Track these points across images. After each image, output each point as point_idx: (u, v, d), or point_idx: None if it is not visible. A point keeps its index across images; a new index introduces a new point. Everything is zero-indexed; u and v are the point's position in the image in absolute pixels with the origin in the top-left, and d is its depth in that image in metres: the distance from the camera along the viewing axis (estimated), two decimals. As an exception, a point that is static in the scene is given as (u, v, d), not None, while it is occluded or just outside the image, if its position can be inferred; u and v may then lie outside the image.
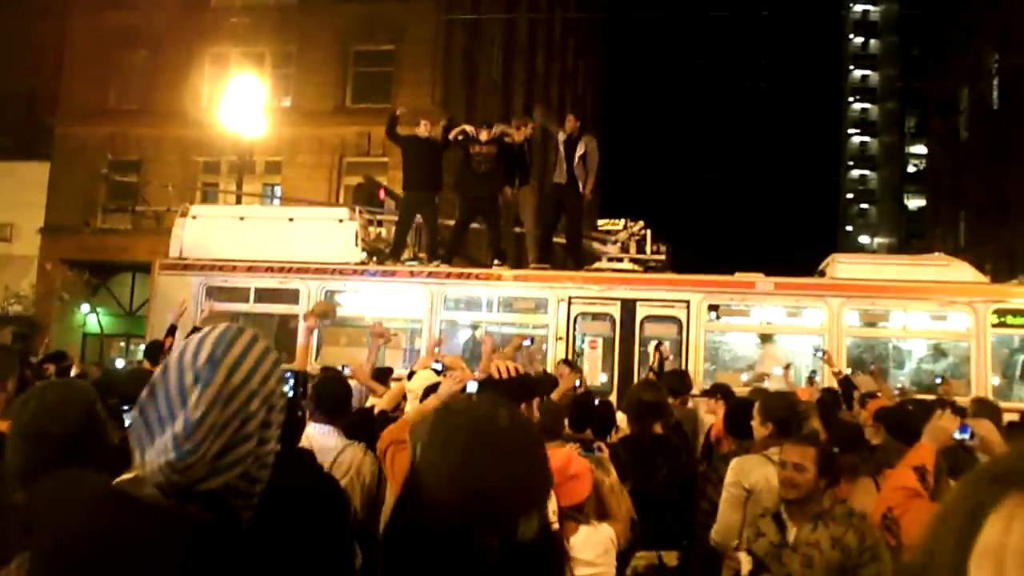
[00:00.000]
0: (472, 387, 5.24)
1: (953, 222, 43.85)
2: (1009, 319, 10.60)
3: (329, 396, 5.32)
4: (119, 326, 26.75)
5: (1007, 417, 6.96)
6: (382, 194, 17.01)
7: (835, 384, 8.62)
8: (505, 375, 3.92)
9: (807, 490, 4.12)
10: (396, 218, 13.55)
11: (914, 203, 67.66)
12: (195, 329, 9.27)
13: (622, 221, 12.47)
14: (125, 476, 1.54)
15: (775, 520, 4.23)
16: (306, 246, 12.28)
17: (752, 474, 4.94)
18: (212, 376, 1.53)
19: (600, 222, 12.68)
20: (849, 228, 79.21)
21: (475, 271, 12.04)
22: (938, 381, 9.79)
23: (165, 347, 9.06)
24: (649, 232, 12.45)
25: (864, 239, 73.62)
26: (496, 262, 12.04)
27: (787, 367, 10.43)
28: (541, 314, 11.66)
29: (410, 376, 5.88)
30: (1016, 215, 35.81)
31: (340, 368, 9.62)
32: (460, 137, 12.22)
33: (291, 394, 5.56)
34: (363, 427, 5.18)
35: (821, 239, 70.03)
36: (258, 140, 21.52)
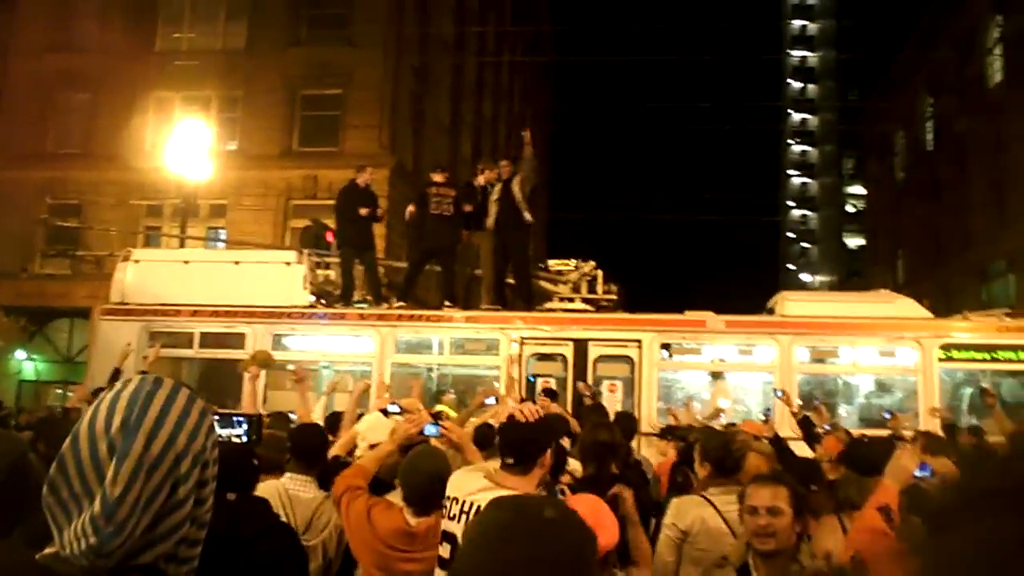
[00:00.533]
0: (430, 430, 5.11)
1: (891, 260, 44.89)
2: (955, 353, 10.77)
3: (308, 445, 5.01)
4: (56, 373, 26.01)
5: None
6: (329, 236, 16.83)
7: (793, 424, 8.62)
8: (530, 418, 3.69)
9: (786, 539, 3.46)
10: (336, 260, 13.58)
11: (853, 242, 69.23)
12: (113, 379, 9.09)
13: (573, 262, 12.48)
14: (48, 551, 1.35)
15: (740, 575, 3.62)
16: (252, 290, 12.07)
17: (688, 515, 4.84)
18: (129, 446, 1.33)
19: (551, 262, 12.67)
20: (791, 267, 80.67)
21: (426, 313, 11.92)
22: (887, 416, 9.86)
23: None
24: (600, 273, 12.47)
25: (806, 277, 75.02)
26: (447, 304, 11.96)
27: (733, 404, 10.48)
28: (492, 355, 11.56)
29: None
30: (950, 252, 36.77)
31: (287, 413, 9.45)
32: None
33: (244, 439, 5.39)
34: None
35: (764, 278, 71.23)
36: (202, 183, 21.22)
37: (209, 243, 24.89)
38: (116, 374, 9.27)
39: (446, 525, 3.51)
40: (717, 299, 12.87)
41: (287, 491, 4.72)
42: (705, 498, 4.88)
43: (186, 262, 12.89)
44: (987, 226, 33.69)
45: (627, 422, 7.92)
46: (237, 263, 12.66)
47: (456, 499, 3.48)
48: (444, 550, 3.50)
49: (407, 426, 4.95)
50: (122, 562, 1.31)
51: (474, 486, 3.48)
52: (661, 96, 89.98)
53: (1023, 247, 31.02)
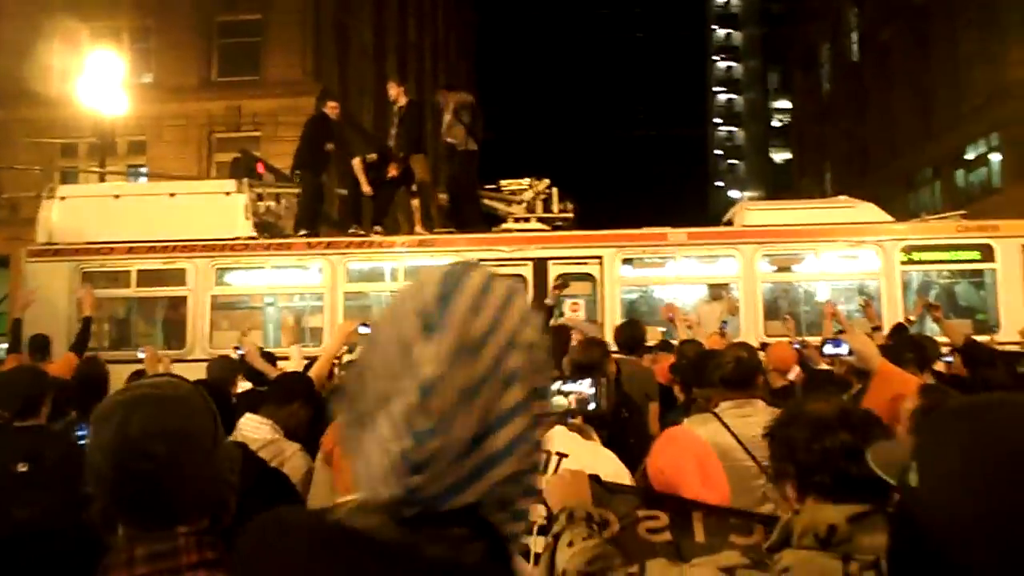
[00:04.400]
0: (364, 329, 4.84)
1: (819, 173, 45.46)
2: (916, 255, 10.73)
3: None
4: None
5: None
6: (261, 168, 16.10)
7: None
8: None
9: None
10: (281, 190, 12.99)
11: (780, 156, 69.91)
12: (15, 332, 8.41)
13: (527, 181, 12.06)
14: (346, 499, 0.96)
15: None
16: (190, 223, 11.39)
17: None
18: (449, 317, 0.97)
19: (503, 183, 12.22)
20: (720, 184, 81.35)
21: (378, 239, 11.41)
22: (861, 304, 9.88)
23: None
24: (556, 191, 12.09)
25: (734, 193, 75.59)
26: (376, 230, 11.53)
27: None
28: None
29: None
30: (878, 163, 37.33)
31: (233, 349, 8.98)
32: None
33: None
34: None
35: (692, 196, 71.66)
36: (119, 119, 20.17)
37: (131, 180, 23.80)
38: (16, 325, 8.67)
39: None
40: (651, 217, 12.63)
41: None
42: (716, 415, 4.63)
43: (117, 196, 12.11)
44: (913, 135, 34.17)
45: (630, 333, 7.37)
46: (172, 195, 11.93)
47: None
48: None
49: (347, 323, 4.74)
50: (440, 497, 0.92)
51: None
52: (584, 14, 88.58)
53: (948, 154, 31.60)
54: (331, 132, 12.13)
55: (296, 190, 12.40)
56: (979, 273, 11.03)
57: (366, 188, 11.54)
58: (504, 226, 11.81)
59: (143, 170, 24.90)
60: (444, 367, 0.93)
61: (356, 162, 11.74)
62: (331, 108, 12.30)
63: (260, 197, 12.36)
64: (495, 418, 0.94)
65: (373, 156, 11.75)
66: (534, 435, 0.98)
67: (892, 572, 1.02)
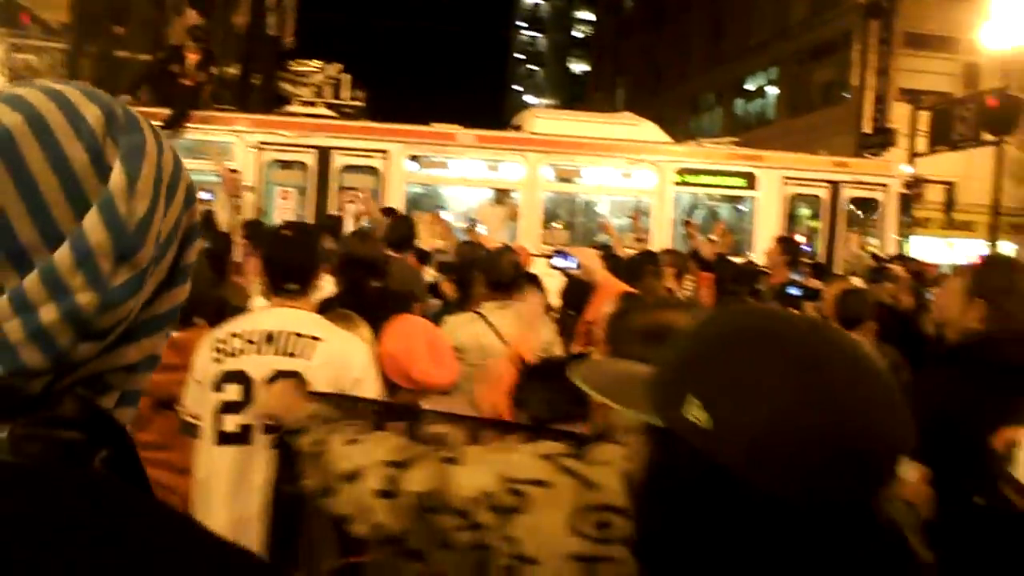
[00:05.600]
0: None
1: (612, 88, 46.63)
2: (689, 178, 11.26)
3: None
4: None
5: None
6: (26, 18, 14.49)
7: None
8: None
9: None
10: (47, 45, 11.74)
11: (578, 67, 70.91)
12: None
13: (318, 63, 11.53)
14: None
15: None
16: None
17: (460, 332, 4.65)
18: (137, 140, 0.76)
19: (292, 63, 11.63)
20: (518, 88, 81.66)
21: (149, 111, 10.60)
22: (630, 218, 10.30)
23: None
24: (348, 77, 11.66)
25: (531, 99, 76.28)
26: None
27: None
28: (227, 162, 10.58)
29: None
30: (668, 83, 38.76)
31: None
32: None
33: None
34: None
35: (488, 98, 71.75)
36: None
37: None
38: None
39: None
40: (445, 114, 12.47)
41: None
42: (480, 315, 4.71)
43: None
44: (703, 60, 35.64)
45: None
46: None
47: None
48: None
49: None
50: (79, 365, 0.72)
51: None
52: None
53: (732, 83, 33.26)
54: None
55: (65, 46, 11.25)
56: (742, 199, 11.75)
57: None
58: (288, 108, 11.30)
59: None
60: (142, 184, 0.75)
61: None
62: None
63: (17, 49, 11.13)
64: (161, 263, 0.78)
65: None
66: (173, 294, 0.82)
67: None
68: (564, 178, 11.43)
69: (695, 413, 0.84)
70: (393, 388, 3.19)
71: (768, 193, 11.31)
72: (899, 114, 20.36)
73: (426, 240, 7.85)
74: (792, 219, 11.74)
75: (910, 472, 2.07)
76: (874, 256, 10.42)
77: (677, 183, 11.15)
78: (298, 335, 2.95)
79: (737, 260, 8.84)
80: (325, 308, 4.98)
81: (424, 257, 6.96)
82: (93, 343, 0.71)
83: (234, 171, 7.78)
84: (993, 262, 2.67)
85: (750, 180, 11.36)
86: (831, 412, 0.81)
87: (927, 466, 2.31)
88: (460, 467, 1.41)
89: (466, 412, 3.37)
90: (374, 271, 5.45)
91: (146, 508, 0.67)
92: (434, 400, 3.18)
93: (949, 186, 17.40)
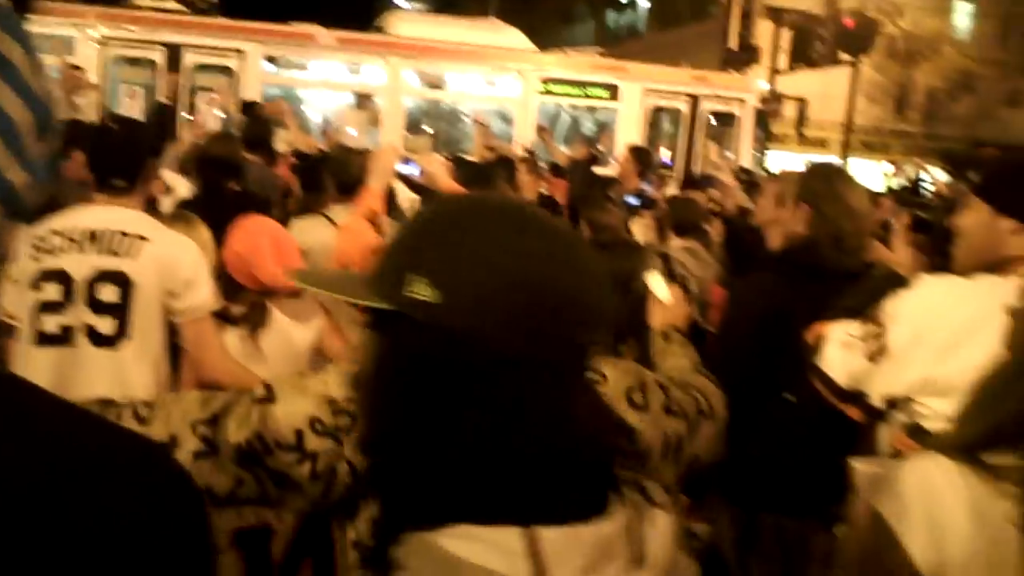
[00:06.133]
0: None
1: (487, -6, 45.67)
2: (552, 87, 11.27)
3: None
4: None
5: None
6: None
7: None
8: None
9: None
10: None
11: (452, -28, 69.23)
12: None
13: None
14: None
15: None
16: None
17: (309, 235, 4.60)
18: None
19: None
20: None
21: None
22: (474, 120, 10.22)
23: None
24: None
25: (401, 2, 74.14)
26: None
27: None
28: (67, 57, 9.94)
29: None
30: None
31: None
32: None
33: None
34: None
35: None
36: None
37: None
38: None
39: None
40: (307, 12, 11.87)
41: None
42: (326, 216, 4.65)
43: None
44: (576, -31, 35.30)
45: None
46: None
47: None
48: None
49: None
50: None
51: None
52: None
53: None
54: None
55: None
56: (605, 110, 11.87)
57: None
58: (136, 1, 10.65)
59: None
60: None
61: None
62: None
63: None
64: None
65: None
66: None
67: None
68: (428, 83, 11.26)
69: (419, 290, 0.86)
70: (240, 289, 3.14)
71: (630, 105, 11.45)
72: (764, 31, 20.74)
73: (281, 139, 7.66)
74: (656, 131, 11.95)
75: (668, 291, 2.07)
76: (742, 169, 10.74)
77: (541, 92, 11.16)
78: (124, 234, 2.85)
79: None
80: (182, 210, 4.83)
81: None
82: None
83: (75, 68, 7.34)
84: (816, 170, 2.80)
85: (613, 91, 11.47)
86: (546, 267, 0.87)
87: (750, 366, 2.45)
88: (277, 404, 1.35)
89: (313, 315, 3.40)
90: (231, 172, 5.27)
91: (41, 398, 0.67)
92: (281, 302, 3.16)
93: (801, 103, 17.89)
